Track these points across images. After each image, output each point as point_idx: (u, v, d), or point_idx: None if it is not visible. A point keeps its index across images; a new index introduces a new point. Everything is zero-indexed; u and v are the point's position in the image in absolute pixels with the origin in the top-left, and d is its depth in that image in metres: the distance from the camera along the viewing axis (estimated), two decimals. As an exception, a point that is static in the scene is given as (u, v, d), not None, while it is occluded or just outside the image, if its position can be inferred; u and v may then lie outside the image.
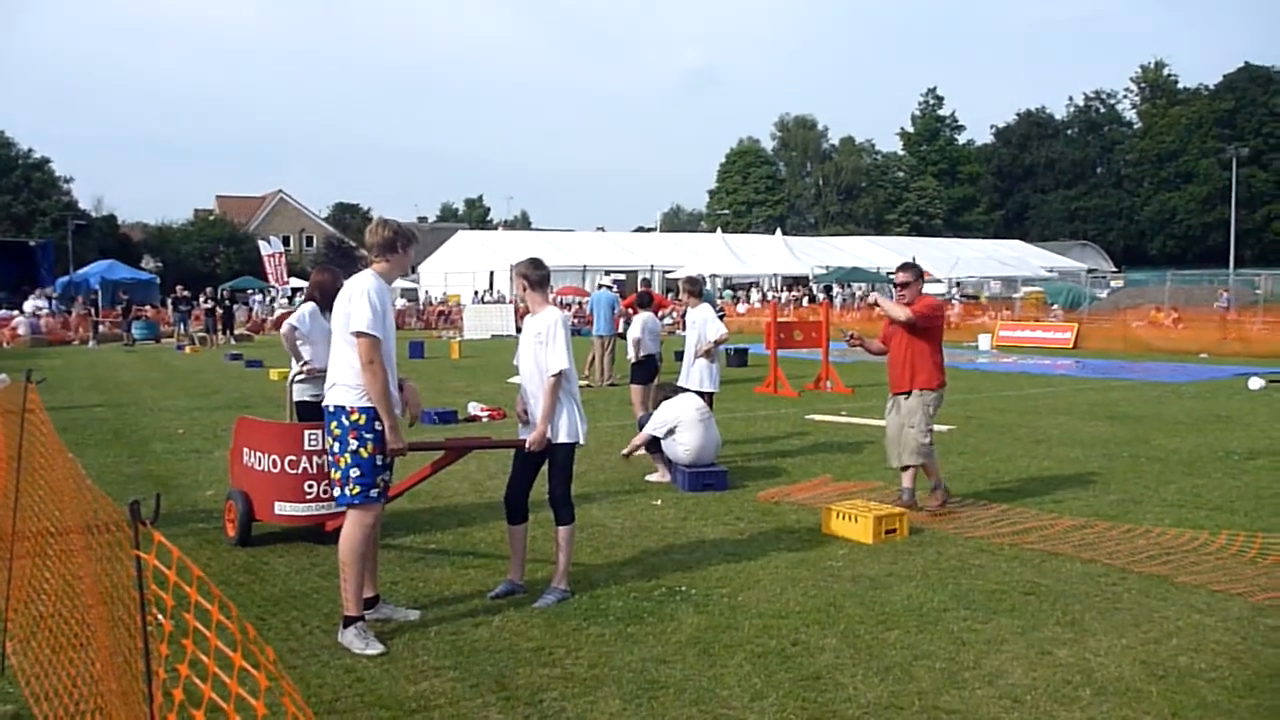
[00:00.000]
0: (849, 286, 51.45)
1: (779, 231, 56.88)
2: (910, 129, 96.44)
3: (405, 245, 5.60)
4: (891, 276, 49.32)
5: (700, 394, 10.22)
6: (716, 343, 10.66)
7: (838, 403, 15.69)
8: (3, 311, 38.01)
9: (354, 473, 5.26)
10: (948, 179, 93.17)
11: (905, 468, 8.36)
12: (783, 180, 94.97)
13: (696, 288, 11.48)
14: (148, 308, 41.47)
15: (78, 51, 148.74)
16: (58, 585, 4.64)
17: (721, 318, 19.45)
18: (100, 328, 35.68)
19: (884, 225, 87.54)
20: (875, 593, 6.26)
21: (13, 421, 5.55)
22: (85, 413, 15.09)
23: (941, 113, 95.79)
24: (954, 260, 56.66)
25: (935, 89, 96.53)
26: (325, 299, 7.61)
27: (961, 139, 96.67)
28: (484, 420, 14.04)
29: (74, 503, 4.44)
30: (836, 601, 6.09)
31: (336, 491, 5.34)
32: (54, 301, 41.05)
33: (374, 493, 5.33)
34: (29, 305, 38.16)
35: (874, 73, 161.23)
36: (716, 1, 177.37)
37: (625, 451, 10.03)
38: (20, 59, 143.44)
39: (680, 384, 10.44)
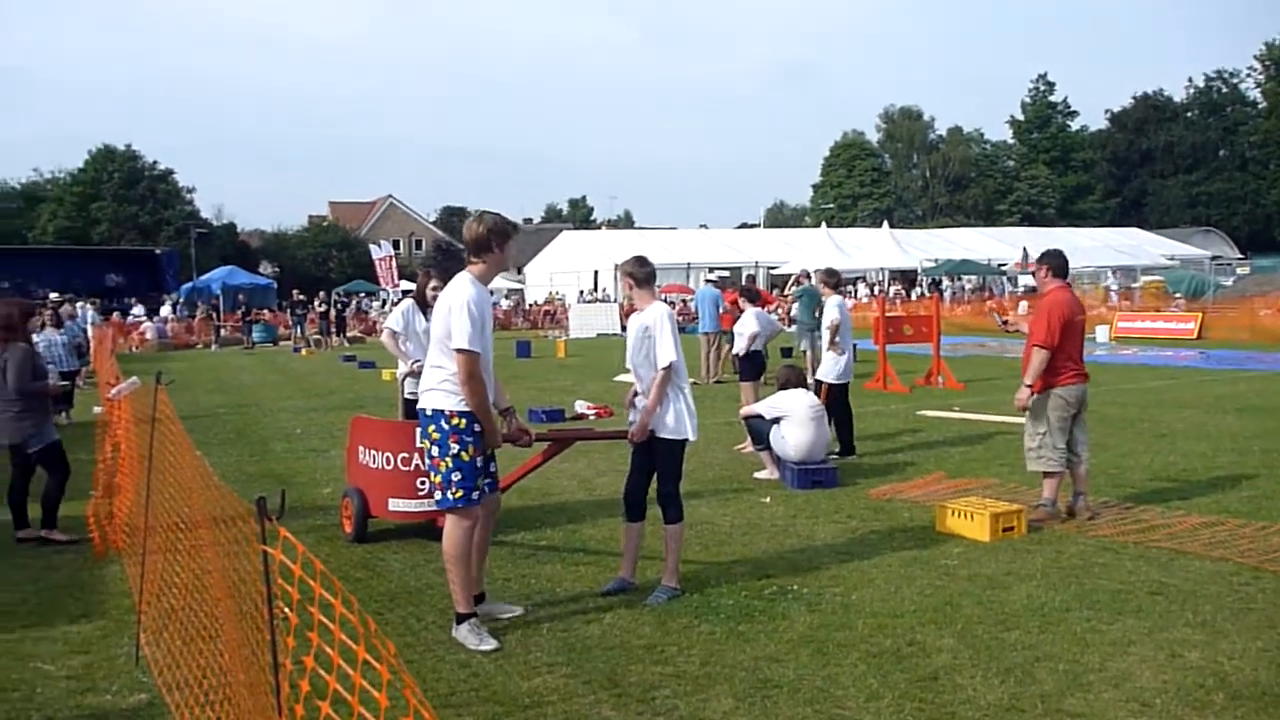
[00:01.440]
0: (959, 279, 50.37)
1: (885, 225, 55.94)
2: (1020, 116, 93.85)
3: (501, 242, 5.49)
4: (1003, 268, 47.83)
5: (834, 386, 10.31)
6: (829, 333, 10.64)
7: (950, 398, 15.36)
8: (132, 317, 39.64)
9: (455, 476, 5.31)
10: (1060, 167, 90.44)
11: (1046, 475, 7.84)
12: (888, 173, 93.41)
13: (834, 279, 11.48)
14: (266, 312, 42.77)
15: (198, 66, 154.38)
16: (187, 579, 4.81)
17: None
18: (221, 331, 36.97)
19: (994, 216, 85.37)
20: (993, 592, 6.10)
21: (144, 422, 5.78)
22: (209, 413, 15.64)
23: (1053, 99, 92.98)
24: (1068, 250, 55.02)
25: (1046, 74, 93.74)
26: (422, 298, 8.11)
27: (1074, 125, 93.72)
28: (591, 418, 14.13)
29: (202, 499, 4.60)
30: (953, 601, 5.95)
31: (437, 495, 5.38)
32: (179, 307, 42.63)
33: (475, 495, 5.38)
34: (163, 310, 39.82)
35: (981, 60, 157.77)
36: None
37: (742, 449, 10.08)
38: (146, 76, 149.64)
39: (819, 376, 10.52)
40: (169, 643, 4.89)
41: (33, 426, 7.59)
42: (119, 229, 62.33)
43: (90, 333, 23.59)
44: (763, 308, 13.09)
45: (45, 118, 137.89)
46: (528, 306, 51.09)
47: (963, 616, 5.68)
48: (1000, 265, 51.79)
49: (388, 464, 7.18)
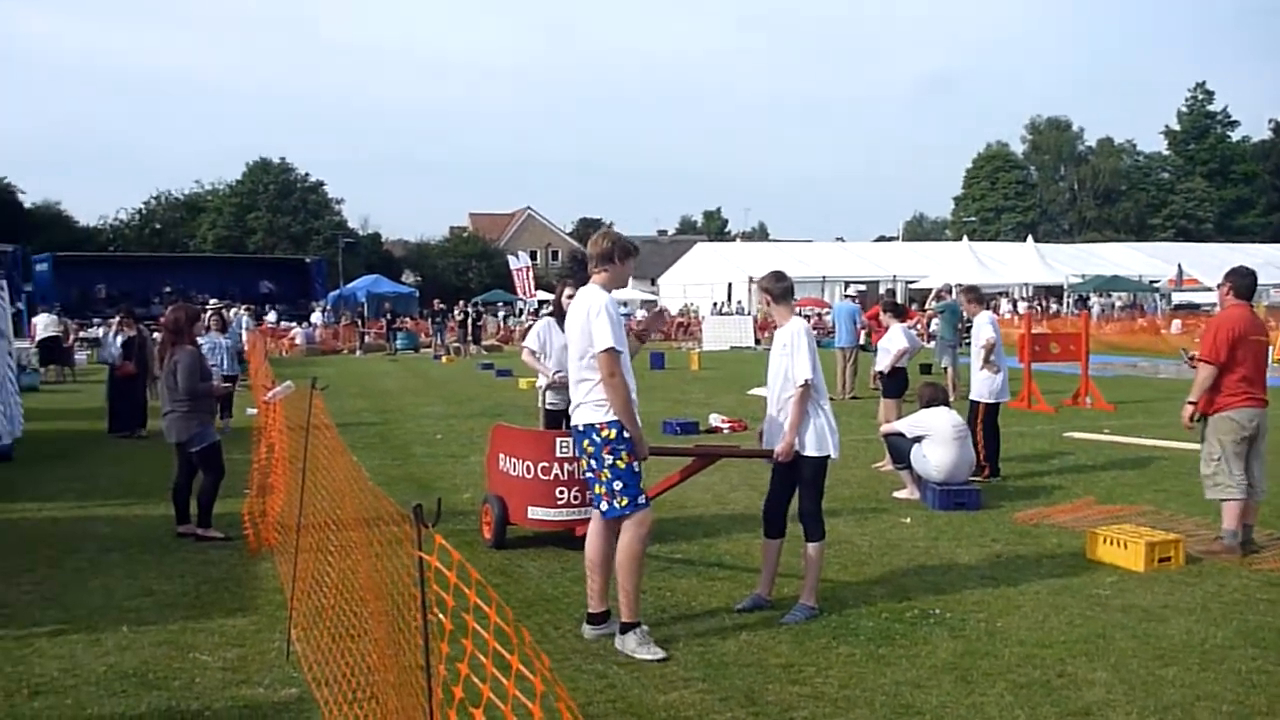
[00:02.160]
0: (1108, 295, 48.50)
1: (1030, 239, 54.28)
2: (1176, 127, 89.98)
3: (624, 257, 5.64)
4: (1155, 285, 45.79)
5: (987, 405, 10.16)
6: (984, 351, 10.30)
7: (1099, 420, 14.77)
8: (283, 322, 41.34)
9: (617, 485, 5.34)
10: (1219, 179, 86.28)
11: (1225, 503, 7.37)
12: (1034, 185, 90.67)
13: (976, 295, 11.32)
14: (408, 319, 44.03)
15: (348, 82, 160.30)
16: (337, 578, 4.95)
17: (968, 327, 18.79)
18: (366, 338, 38.19)
19: (1146, 230, 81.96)
20: (1149, 625, 5.83)
21: (298, 425, 5.99)
22: (354, 417, 16.14)
23: (1211, 108, 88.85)
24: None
25: (1204, 83, 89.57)
26: (559, 309, 8.12)
27: (1235, 135, 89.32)
28: (725, 431, 14.08)
29: (353, 501, 4.73)
30: (1105, 632, 5.70)
31: (604, 506, 5.40)
32: (326, 313, 44.25)
33: (641, 499, 5.42)
34: (314, 317, 41.47)
35: (1134, 69, 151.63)
36: (957, 3, 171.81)
37: (880, 466, 9.90)
38: (302, 92, 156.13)
39: (972, 397, 10.36)
40: (318, 639, 5.04)
41: (198, 426, 7.95)
42: (272, 238, 65.12)
43: (245, 337, 24.66)
44: (906, 320, 12.85)
45: (207, 132, 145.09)
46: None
47: (1116, 649, 5.44)
48: (1152, 282, 49.68)
49: (528, 473, 7.28)
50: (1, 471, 11.06)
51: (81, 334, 31.02)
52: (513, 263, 55.28)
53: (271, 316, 42.36)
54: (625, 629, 5.38)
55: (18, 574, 6.93)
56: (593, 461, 5.41)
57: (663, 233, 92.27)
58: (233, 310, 29.95)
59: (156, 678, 5.05)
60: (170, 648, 5.48)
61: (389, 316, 39.59)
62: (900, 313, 12.50)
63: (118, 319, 15.52)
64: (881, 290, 48.42)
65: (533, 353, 8.41)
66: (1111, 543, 7.12)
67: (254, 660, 5.30)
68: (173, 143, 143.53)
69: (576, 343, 5.47)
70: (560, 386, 8.09)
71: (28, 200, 66.38)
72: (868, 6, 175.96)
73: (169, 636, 5.66)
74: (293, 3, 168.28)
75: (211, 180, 72.71)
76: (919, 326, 28.85)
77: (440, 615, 2.46)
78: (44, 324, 25.40)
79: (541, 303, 52.38)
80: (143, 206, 72.20)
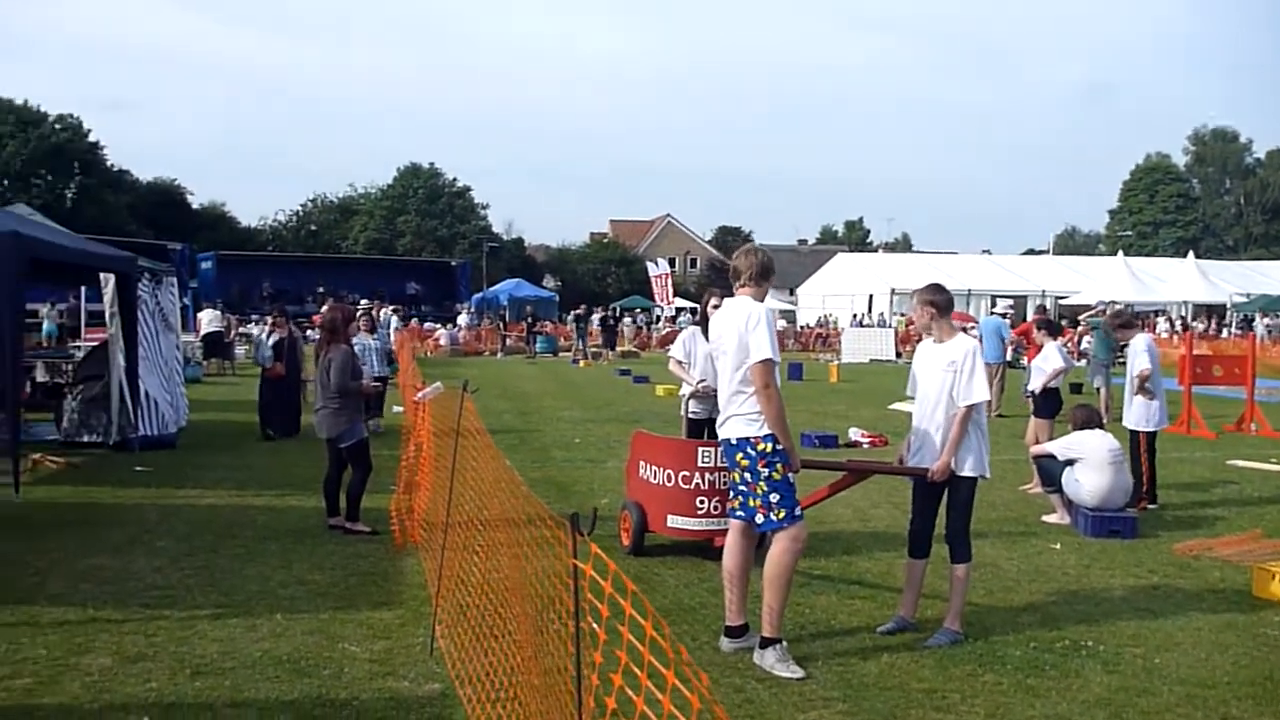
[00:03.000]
0: (1276, 316, 45.93)
1: (1191, 255, 51.84)
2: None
3: (768, 275, 5.67)
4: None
5: (1147, 434, 9.70)
6: (1139, 380, 9.78)
7: (1266, 449, 13.97)
8: (428, 323, 42.50)
9: (774, 498, 5.30)
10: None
11: None
12: (1196, 199, 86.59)
13: (1123, 320, 10.98)
14: (548, 323, 44.71)
15: (496, 89, 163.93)
16: (481, 577, 5.04)
17: (1122, 347, 18.04)
18: (507, 341, 38.94)
19: (1320, 248, 77.49)
20: (1324, 670, 5.47)
21: (446, 425, 6.13)
22: (495, 418, 16.43)
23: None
24: None
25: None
26: (705, 317, 8.07)
27: None
28: (865, 446, 13.84)
29: (500, 502, 4.81)
30: (1274, 675, 5.38)
31: (759, 519, 5.35)
32: (470, 315, 45.31)
33: (798, 511, 5.37)
34: (461, 320, 42.59)
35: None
36: (1117, 8, 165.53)
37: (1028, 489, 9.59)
38: (450, 99, 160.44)
39: (1130, 425, 9.91)
40: (461, 637, 5.14)
41: (347, 422, 8.21)
42: (420, 241, 67.07)
43: (393, 338, 25.43)
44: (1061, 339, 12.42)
45: (361, 137, 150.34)
46: (799, 328, 50.83)
47: (1287, 694, 5.12)
48: (1325, 304, 46.79)
49: (669, 481, 7.28)
50: (167, 458, 11.64)
51: (241, 329, 32.46)
52: (651, 269, 55.57)
53: (462, 319, 43.39)
54: (765, 644, 5.32)
55: (181, 558, 7.28)
56: (747, 475, 5.37)
57: (803, 242, 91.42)
58: (381, 311, 30.98)
59: (308, 665, 5.23)
60: (320, 636, 5.66)
61: (530, 320, 40.29)
62: (1055, 330, 12.07)
63: (270, 319, 15.33)
64: (1031, 306, 47.01)
65: (679, 362, 8.43)
66: (1282, 580, 6.72)
67: (399, 654, 5.44)
68: (329, 148, 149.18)
69: (730, 354, 5.44)
70: (704, 395, 8.09)
71: (195, 201, 70.15)
72: (1023, 12, 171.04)
73: (319, 625, 5.85)
74: (445, 13, 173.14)
75: (364, 184, 75.54)
76: (1069, 345, 27.88)
77: (594, 624, 2.47)
78: (207, 319, 26.70)
79: (679, 310, 52.62)
80: (300, 208, 75.52)
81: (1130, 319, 11.10)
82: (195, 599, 6.33)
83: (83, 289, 21.27)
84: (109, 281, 11.99)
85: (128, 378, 11.91)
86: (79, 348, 17.77)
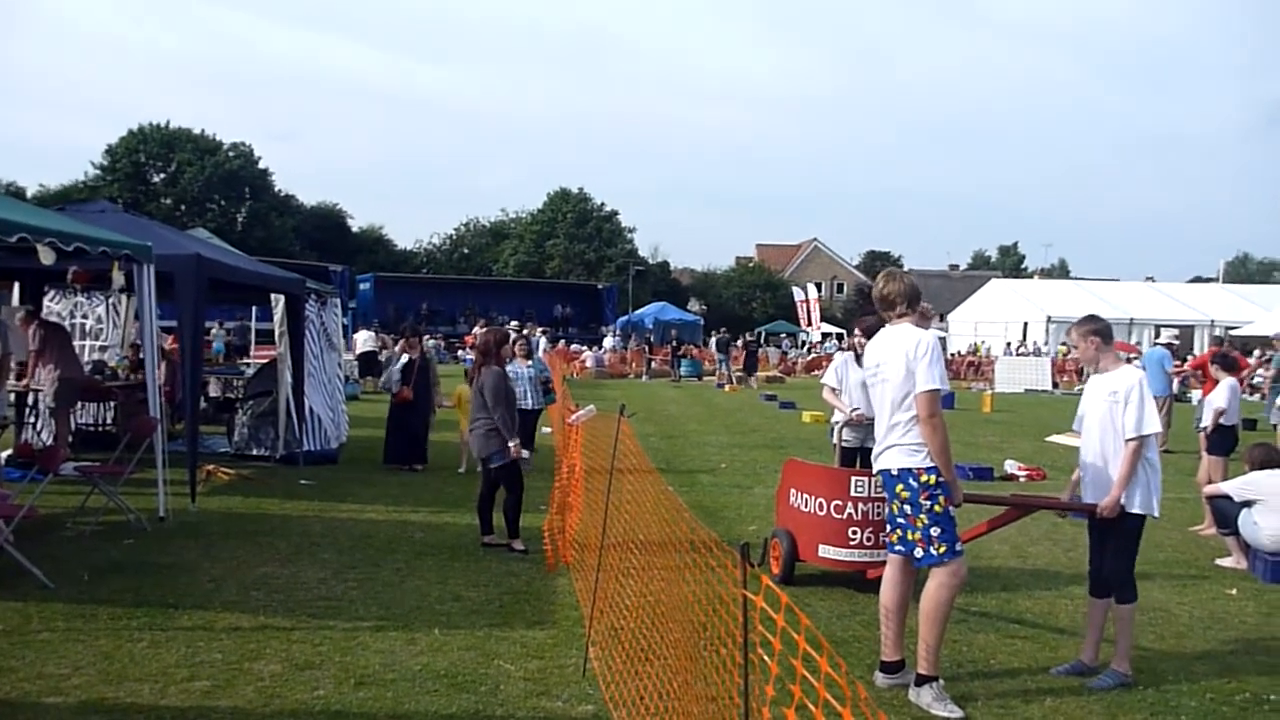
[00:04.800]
0: None
1: (1379, 284, 48.66)
2: None
3: (920, 297, 5.59)
4: None
5: None
6: None
7: None
8: (575, 345, 43.13)
9: (935, 531, 5.19)
10: None
11: None
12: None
13: None
14: (693, 347, 44.80)
15: (644, 112, 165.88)
16: (635, 600, 5.07)
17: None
18: (652, 364, 39.16)
19: None
20: None
21: (601, 447, 6.20)
22: (641, 441, 16.51)
23: None
24: None
25: None
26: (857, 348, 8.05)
27: None
28: (1021, 480, 13.38)
29: (658, 527, 4.83)
30: None
31: (918, 553, 5.25)
32: (616, 338, 45.78)
33: (959, 546, 5.26)
34: (607, 342, 43.13)
35: None
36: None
37: (1201, 530, 9.12)
38: (598, 123, 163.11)
39: None
40: (614, 659, 5.17)
41: (498, 443, 8.37)
42: (568, 264, 68.20)
43: (542, 359, 25.87)
44: (1239, 375, 11.79)
45: (514, 162, 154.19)
46: (950, 356, 49.63)
47: None
48: None
49: (820, 509, 7.19)
50: (329, 473, 12.10)
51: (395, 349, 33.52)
52: (797, 294, 55.12)
53: (608, 341, 43.99)
54: (921, 681, 5.19)
55: (344, 570, 7.54)
56: (907, 507, 5.26)
57: (954, 267, 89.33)
58: (534, 333, 31.54)
59: (465, 680, 5.34)
60: (477, 653, 5.78)
61: (675, 344, 40.44)
62: (1231, 366, 11.46)
63: (401, 340, 13.70)
64: (1199, 336, 44.81)
65: (833, 390, 8.35)
66: None
67: (553, 673, 5.50)
68: (483, 172, 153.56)
69: (891, 382, 5.35)
70: (858, 423, 7.99)
71: (355, 225, 73.10)
72: (1188, 29, 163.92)
73: (475, 642, 5.97)
74: (592, 37, 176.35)
75: (515, 209, 77.39)
76: (1262, 377, 26.42)
77: (765, 657, 2.45)
78: (362, 339, 27.74)
79: (825, 335, 52.03)
80: (453, 232, 77.85)
81: None
82: (358, 610, 6.54)
83: (253, 309, 22.33)
84: (279, 302, 12.58)
85: (294, 395, 12.45)
86: (249, 364, 18.69)
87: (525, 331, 24.26)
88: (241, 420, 13.18)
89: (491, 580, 7.42)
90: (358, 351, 26.97)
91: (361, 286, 47.19)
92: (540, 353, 27.31)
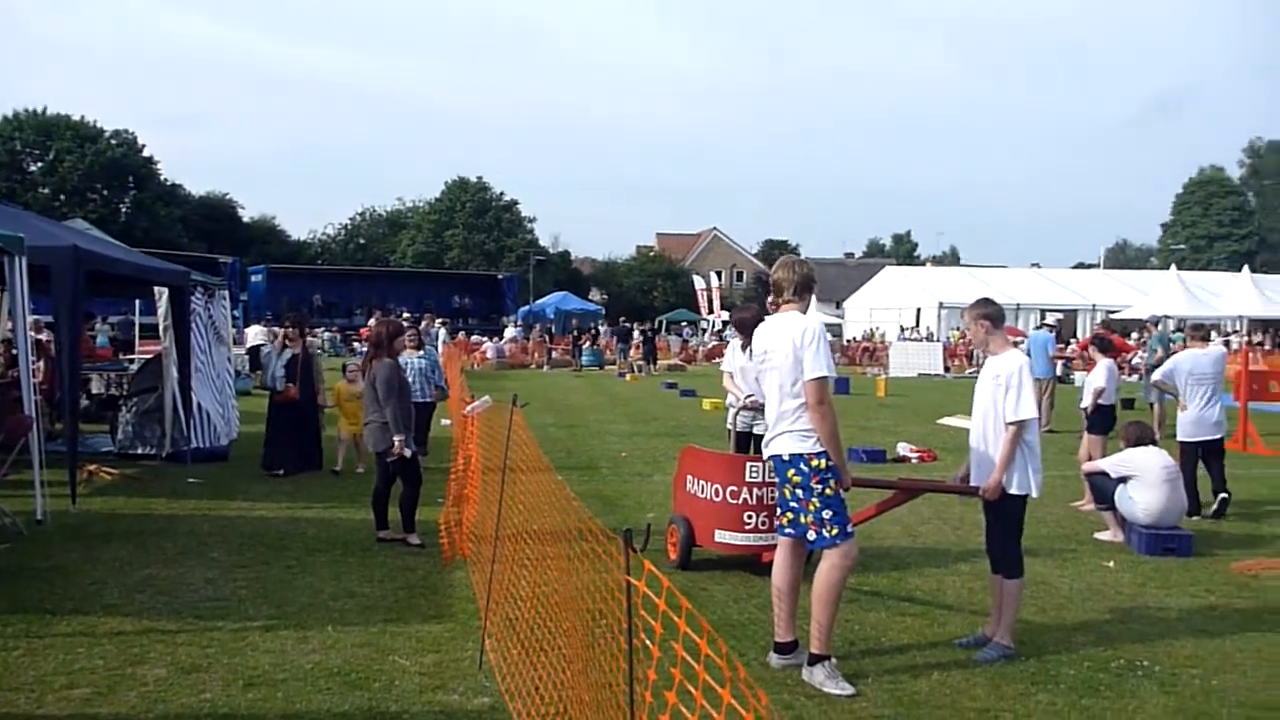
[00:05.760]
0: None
1: (1246, 269, 50.90)
2: None
3: (813, 286, 5.66)
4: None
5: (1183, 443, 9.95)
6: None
7: (1325, 466, 13.68)
8: (475, 336, 42.75)
9: (827, 514, 5.27)
10: None
11: None
12: (1251, 212, 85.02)
13: (1202, 333, 11.07)
14: (599, 335, 44.74)
15: (543, 102, 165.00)
16: (530, 591, 5.05)
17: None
18: (553, 354, 39.05)
19: (1379, 262, 75.77)
20: (1390, 695, 5.33)
21: (496, 438, 6.16)
22: (541, 431, 16.47)
23: None
24: None
25: None
26: (748, 335, 7.96)
27: None
28: (914, 462, 13.71)
29: (550, 517, 4.82)
30: (1338, 699, 5.26)
31: (811, 535, 5.32)
32: (518, 328, 45.52)
33: (850, 528, 5.35)
34: (509, 333, 42.83)
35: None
36: (1175, 22, 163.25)
37: (1080, 506, 9.55)
38: (497, 113, 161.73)
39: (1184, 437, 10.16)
40: (511, 651, 5.15)
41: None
42: (468, 254, 67.56)
43: (440, 351, 25.60)
44: (1117, 357, 12.32)
45: (410, 151, 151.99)
46: (846, 342, 50.56)
47: (1353, 719, 5.00)
48: (1387, 318, 45.76)
49: (716, 495, 7.26)
50: (219, 471, 11.79)
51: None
52: (698, 283, 55.53)
53: (509, 332, 43.59)
54: (814, 661, 5.28)
55: (234, 570, 7.36)
56: (799, 491, 5.33)
57: (849, 255, 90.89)
58: (431, 324, 31.14)
59: (359, 677, 5.26)
60: (371, 649, 5.70)
61: (576, 333, 40.39)
62: (1108, 348, 11.92)
63: (282, 332, 12.85)
64: (1082, 320, 46.41)
65: (731, 375, 8.45)
66: (1345, 602, 6.57)
67: (449, 667, 5.45)
68: (379, 161, 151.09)
69: (780, 369, 5.41)
70: (753, 408, 8.08)
71: (246, 215, 71.25)
72: (1072, 24, 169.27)
73: (370, 638, 5.89)
74: (492, 26, 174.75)
75: (412, 198, 76.27)
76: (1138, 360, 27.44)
77: (647, 641, 2.47)
78: (254, 333, 27.15)
79: (725, 323, 52.51)
80: (349, 222, 76.42)
81: (1209, 332, 11.33)
82: (248, 610, 6.39)
83: (136, 302, 21.64)
84: (163, 295, 12.20)
85: (181, 390, 12.10)
86: (133, 360, 18.09)
87: (424, 324, 23.95)
88: (125, 418, 12.75)
89: (387, 575, 7.32)
90: (247, 345, 26.34)
91: (253, 278, 46.01)
92: (439, 344, 27.07)
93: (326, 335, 40.50)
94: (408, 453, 8.16)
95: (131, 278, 11.75)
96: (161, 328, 12.36)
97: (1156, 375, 10.30)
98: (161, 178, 64.07)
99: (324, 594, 6.79)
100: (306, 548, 8.08)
